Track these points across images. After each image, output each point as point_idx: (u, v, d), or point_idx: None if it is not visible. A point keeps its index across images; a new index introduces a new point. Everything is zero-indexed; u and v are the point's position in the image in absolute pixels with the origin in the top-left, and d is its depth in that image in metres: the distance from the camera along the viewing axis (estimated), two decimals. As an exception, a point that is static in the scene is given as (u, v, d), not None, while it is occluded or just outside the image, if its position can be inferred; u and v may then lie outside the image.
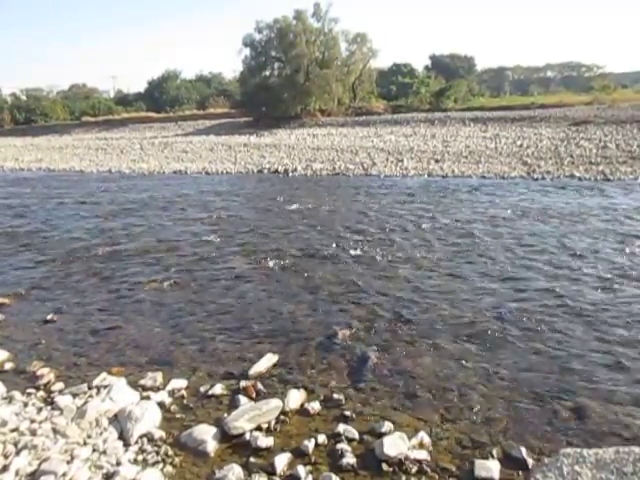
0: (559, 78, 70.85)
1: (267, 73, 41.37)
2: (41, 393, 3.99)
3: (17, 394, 3.91)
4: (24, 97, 63.09)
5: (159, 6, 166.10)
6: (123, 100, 62.17)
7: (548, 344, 4.56)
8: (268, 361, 4.36)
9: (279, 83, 38.69)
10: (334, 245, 8.04)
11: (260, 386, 3.97)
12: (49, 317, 5.55)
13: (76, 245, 8.69)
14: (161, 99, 57.54)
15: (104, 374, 4.17)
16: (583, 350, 4.44)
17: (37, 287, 6.61)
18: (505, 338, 4.71)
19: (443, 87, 42.78)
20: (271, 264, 7.18)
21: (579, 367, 4.16)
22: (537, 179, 14.20)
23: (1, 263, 7.78)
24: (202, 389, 4.00)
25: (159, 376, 4.18)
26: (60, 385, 4.09)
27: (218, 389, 3.97)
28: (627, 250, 7.23)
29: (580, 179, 13.89)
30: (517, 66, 73.44)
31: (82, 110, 55.70)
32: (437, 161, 18.02)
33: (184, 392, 3.97)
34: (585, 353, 4.39)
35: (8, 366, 4.50)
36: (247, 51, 40.80)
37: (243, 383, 4.01)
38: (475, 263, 6.93)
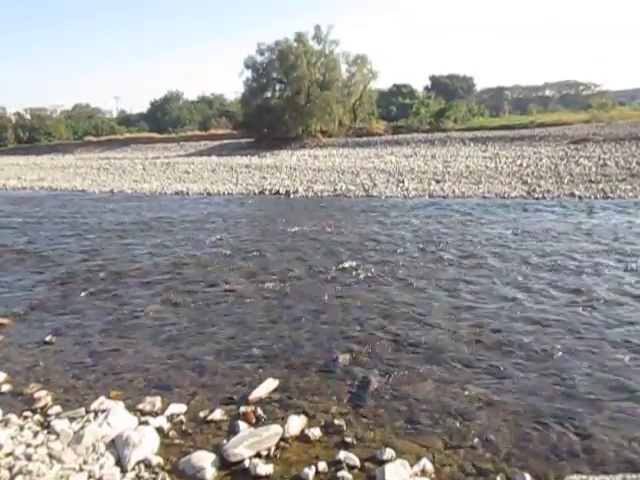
0: (557, 97, 71.37)
1: (268, 94, 41.91)
2: (38, 416, 3.94)
3: (13, 417, 3.87)
4: (28, 116, 63.84)
5: (162, 33, 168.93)
6: (126, 120, 62.95)
7: (551, 368, 4.51)
8: (268, 386, 4.30)
9: (280, 104, 39.11)
10: (335, 268, 8.01)
11: (260, 411, 3.91)
12: (48, 339, 5.51)
13: (76, 266, 8.68)
14: (163, 120, 58.21)
15: (102, 398, 4.12)
16: (587, 374, 4.39)
17: (36, 308, 6.58)
18: (508, 362, 4.66)
19: (443, 107, 43.19)
20: (272, 287, 7.15)
21: (583, 391, 4.11)
22: (537, 198, 14.24)
23: (1, 283, 7.76)
24: (201, 414, 3.95)
25: (158, 400, 4.12)
26: (57, 408, 4.04)
27: (217, 414, 3.91)
28: (630, 270, 7.20)
29: (580, 198, 13.94)
30: (516, 85, 74.02)
31: (85, 130, 56.36)
32: (438, 182, 18.08)
33: (183, 417, 3.91)
34: (589, 377, 4.33)
35: (5, 388, 4.46)
36: (249, 73, 41.49)
37: (243, 408, 3.96)
38: (477, 286, 6.90)
